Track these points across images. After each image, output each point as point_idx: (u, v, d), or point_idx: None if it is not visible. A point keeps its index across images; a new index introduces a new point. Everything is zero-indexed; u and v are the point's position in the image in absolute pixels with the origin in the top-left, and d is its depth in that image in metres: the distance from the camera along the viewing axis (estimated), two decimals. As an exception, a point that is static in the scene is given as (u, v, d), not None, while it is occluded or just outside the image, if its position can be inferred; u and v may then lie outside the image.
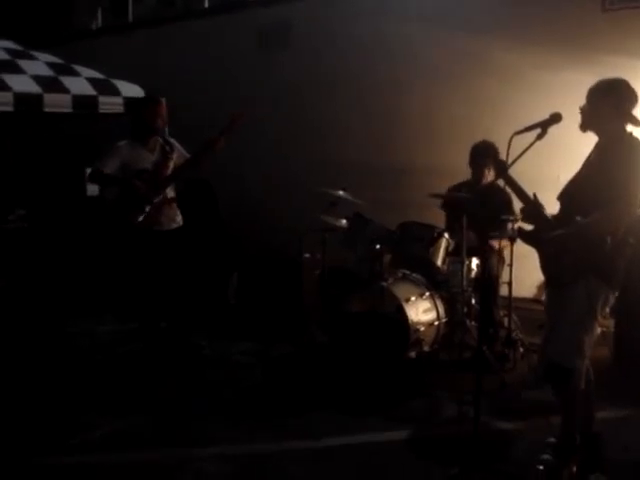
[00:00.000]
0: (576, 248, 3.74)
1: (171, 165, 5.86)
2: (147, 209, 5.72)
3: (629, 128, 3.91)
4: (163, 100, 5.88)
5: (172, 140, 5.97)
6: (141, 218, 5.72)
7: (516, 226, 5.27)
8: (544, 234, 3.94)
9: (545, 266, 4.03)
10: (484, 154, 6.07)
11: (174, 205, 5.99)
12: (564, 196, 4.00)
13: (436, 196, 6.14)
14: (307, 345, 6.32)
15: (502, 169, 3.95)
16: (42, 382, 5.49)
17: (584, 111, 3.96)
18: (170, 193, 5.94)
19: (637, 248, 3.90)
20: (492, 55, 7.63)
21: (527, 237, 4.10)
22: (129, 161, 5.75)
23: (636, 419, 4.83)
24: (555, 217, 3.96)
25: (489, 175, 6.10)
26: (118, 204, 5.81)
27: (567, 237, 3.79)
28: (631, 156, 3.75)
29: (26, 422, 4.78)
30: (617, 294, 3.88)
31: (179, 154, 5.94)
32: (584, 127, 3.97)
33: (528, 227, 4.17)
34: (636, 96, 3.94)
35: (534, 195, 4.02)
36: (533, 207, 4.02)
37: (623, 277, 3.85)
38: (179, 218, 6.03)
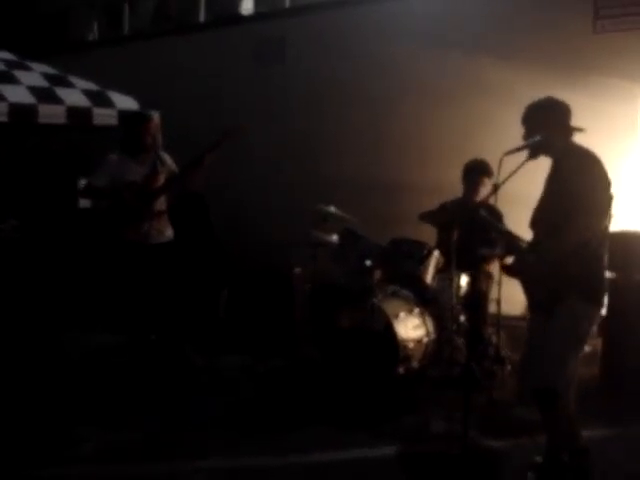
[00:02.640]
0: (548, 269, 3.78)
1: (161, 178, 5.88)
2: (140, 223, 5.75)
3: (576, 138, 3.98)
4: (156, 117, 5.90)
5: (163, 154, 5.99)
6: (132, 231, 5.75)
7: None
8: (518, 264, 4.00)
9: (525, 290, 4.07)
10: (477, 171, 6.11)
11: (164, 218, 6.00)
12: (533, 222, 4.05)
13: (425, 219, 6.18)
14: (297, 360, 6.31)
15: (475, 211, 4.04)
16: (33, 394, 5.47)
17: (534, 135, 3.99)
18: (160, 206, 5.96)
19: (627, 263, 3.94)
20: (484, 74, 7.70)
21: (509, 270, 4.13)
22: (118, 173, 5.78)
23: (624, 437, 4.85)
24: (530, 244, 4.00)
25: (483, 192, 6.13)
26: (107, 216, 5.83)
27: (538, 261, 3.83)
28: (582, 167, 3.79)
29: (18, 434, 4.77)
30: (603, 309, 3.91)
31: (170, 168, 5.97)
32: (533, 154, 3.98)
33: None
34: (568, 107, 4.01)
35: (508, 231, 4.08)
36: (507, 239, 4.07)
37: (604, 290, 3.88)
38: (169, 232, 6.05)
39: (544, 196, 4.02)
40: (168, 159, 6.01)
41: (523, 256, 3.96)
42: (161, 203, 5.98)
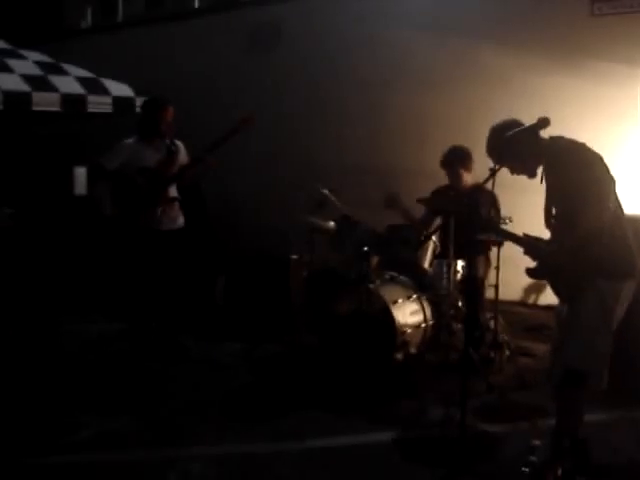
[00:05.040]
0: (570, 261, 3.79)
1: (175, 165, 5.87)
2: (151, 208, 5.75)
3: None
4: (171, 107, 5.90)
5: (178, 142, 5.98)
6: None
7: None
8: (543, 267, 3.98)
9: (553, 286, 4.08)
10: (452, 163, 6.07)
11: (176, 206, 6.00)
12: (547, 222, 4.05)
13: (423, 202, 6.16)
14: (294, 346, 6.32)
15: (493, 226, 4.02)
16: (30, 381, 5.46)
17: (518, 168, 3.98)
18: (173, 193, 5.95)
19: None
20: (480, 58, 7.68)
21: (533, 273, 4.10)
22: (132, 158, 5.78)
23: (624, 422, 4.86)
24: (548, 242, 4.00)
25: (466, 177, 6.09)
26: (118, 202, 5.82)
27: (555, 254, 3.85)
28: (571, 161, 3.79)
29: (14, 422, 4.76)
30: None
31: (183, 156, 5.97)
32: (531, 174, 3.98)
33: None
34: (513, 121, 3.98)
35: (524, 234, 4.06)
36: (528, 244, 4.05)
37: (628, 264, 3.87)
38: (181, 219, 6.06)
39: (548, 198, 4.02)
40: (182, 148, 6.00)
41: (546, 257, 3.94)
42: (173, 190, 5.97)
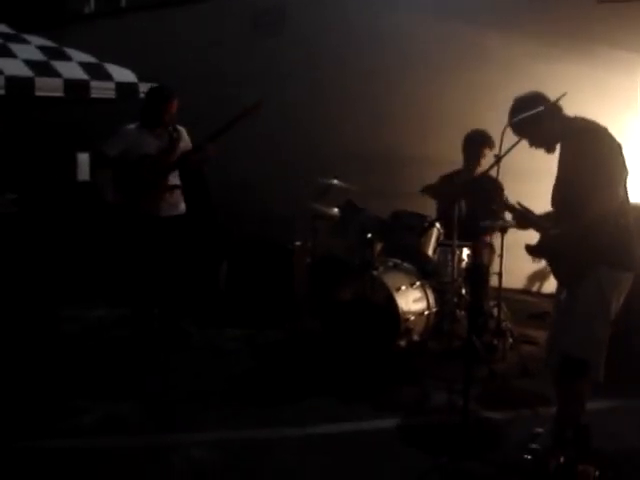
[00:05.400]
0: (574, 244, 3.77)
1: (177, 152, 5.86)
2: (153, 195, 5.75)
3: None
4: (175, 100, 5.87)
5: (181, 128, 5.96)
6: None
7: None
8: (543, 244, 3.97)
9: (554, 269, 4.07)
10: (478, 142, 6.07)
11: (177, 192, 5.98)
12: (553, 202, 4.03)
13: (427, 191, 6.15)
14: (297, 333, 6.32)
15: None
16: (32, 366, 5.47)
17: (537, 141, 3.97)
18: (174, 180, 5.94)
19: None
20: (485, 45, 7.64)
21: (533, 251, 4.09)
22: (133, 145, 5.75)
23: (623, 410, 4.87)
24: (554, 222, 3.98)
25: (484, 163, 6.08)
26: (119, 188, 5.81)
27: (560, 237, 3.83)
28: (590, 144, 3.75)
29: (16, 406, 4.77)
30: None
31: (185, 143, 5.95)
32: (550, 149, 3.98)
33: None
34: (538, 94, 3.96)
35: (518, 203, 4.04)
36: (520, 214, 4.04)
37: (632, 255, 3.85)
38: (182, 206, 6.04)
39: (559, 176, 3.99)
40: (185, 134, 5.98)
41: (543, 228, 3.93)
42: (175, 177, 5.96)
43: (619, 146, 3.79)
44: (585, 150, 3.75)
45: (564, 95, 3.85)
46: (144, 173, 5.71)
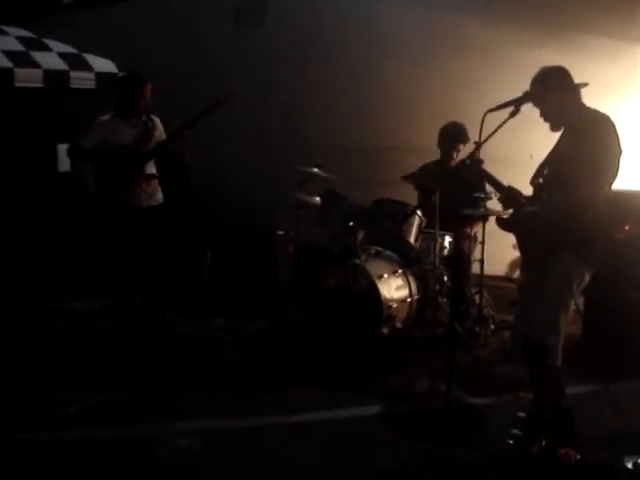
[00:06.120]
0: (547, 225, 3.79)
1: (152, 141, 5.84)
2: (130, 185, 5.73)
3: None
4: (149, 84, 5.84)
5: (155, 118, 5.94)
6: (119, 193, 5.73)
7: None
8: (516, 217, 4.01)
9: (520, 245, 4.10)
10: (452, 138, 6.13)
11: (154, 182, 5.96)
12: (536, 179, 4.04)
13: (408, 179, 6.18)
14: (281, 322, 6.34)
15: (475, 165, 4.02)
16: (17, 359, 5.46)
17: (547, 115, 3.98)
18: (150, 170, 5.92)
19: (611, 226, 3.95)
20: (468, 33, 7.62)
21: (504, 223, 4.13)
22: (110, 136, 5.72)
23: (605, 395, 4.92)
24: (529, 200, 4.01)
25: (457, 157, 6.16)
26: (97, 179, 5.80)
27: (535, 213, 3.86)
28: (597, 133, 3.77)
29: (1, 398, 4.76)
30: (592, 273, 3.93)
31: (160, 132, 5.93)
32: (556, 127, 3.99)
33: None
34: (566, 70, 3.98)
35: (508, 185, 4.08)
36: (507, 193, 4.07)
37: (599, 256, 3.90)
38: (159, 196, 6.01)
39: (554, 155, 4.01)
40: (159, 124, 5.96)
41: (522, 210, 3.96)
42: (151, 166, 5.94)
43: (619, 139, 3.80)
44: (594, 135, 3.75)
45: (586, 85, 3.91)
46: (121, 163, 5.69)
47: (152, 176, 5.92)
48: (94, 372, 5.27)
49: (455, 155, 6.18)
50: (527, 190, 4.09)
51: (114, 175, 5.71)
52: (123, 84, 5.98)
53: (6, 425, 4.38)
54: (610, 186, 3.84)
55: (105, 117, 5.83)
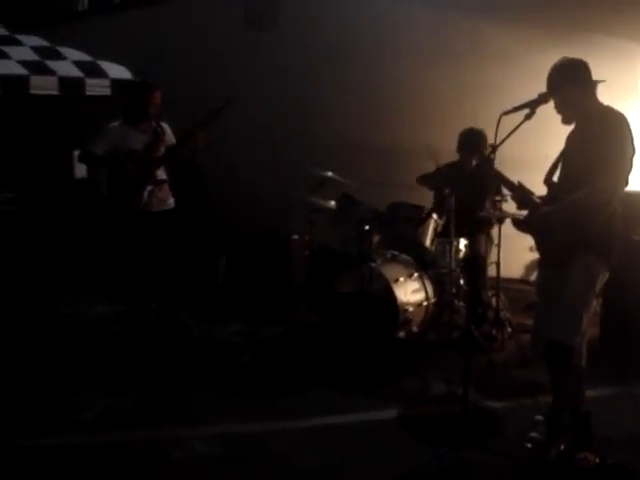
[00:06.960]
0: (565, 224, 3.77)
1: (162, 147, 5.86)
2: (141, 191, 5.74)
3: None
4: (159, 91, 5.87)
5: (164, 124, 5.96)
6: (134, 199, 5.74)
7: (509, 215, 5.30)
8: (532, 218, 3.99)
9: (539, 246, 4.07)
10: (472, 142, 6.10)
11: (165, 187, 5.99)
12: (550, 177, 4.02)
13: (423, 180, 6.17)
14: (296, 326, 6.33)
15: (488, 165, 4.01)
16: (33, 363, 5.48)
17: (561, 108, 3.95)
18: (162, 175, 5.94)
19: (626, 227, 3.92)
20: (481, 36, 7.61)
21: (520, 224, 4.11)
22: (120, 142, 5.75)
23: (623, 397, 4.89)
24: (543, 200, 3.99)
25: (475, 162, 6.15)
26: (109, 185, 5.83)
27: (553, 213, 3.83)
28: (611, 129, 3.75)
29: (17, 403, 4.78)
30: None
31: (169, 137, 5.95)
32: (567, 120, 3.96)
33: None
34: (586, 63, 3.95)
35: (519, 182, 4.05)
36: (521, 193, 4.05)
37: (616, 257, 3.87)
38: (171, 200, 6.04)
39: (567, 153, 3.99)
40: (168, 129, 5.99)
41: (538, 210, 3.94)
42: (162, 172, 5.96)
43: (633, 139, 3.77)
44: (605, 135, 3.73)
45: (603, 81, 3.90)
46: (131, 169, 5.71)
47: (163, 181, 5.94)
48: (110, 376, 5.28)
49: (474, 161, 6.16)
50: (542, 190, 4.07)
51: (125, 180, 5.74)
52: (131, 91, 6.01)
53: (22, 430, 4.39)
54: (626, 184, 3.81)
55: (115, 123, 5.86)
